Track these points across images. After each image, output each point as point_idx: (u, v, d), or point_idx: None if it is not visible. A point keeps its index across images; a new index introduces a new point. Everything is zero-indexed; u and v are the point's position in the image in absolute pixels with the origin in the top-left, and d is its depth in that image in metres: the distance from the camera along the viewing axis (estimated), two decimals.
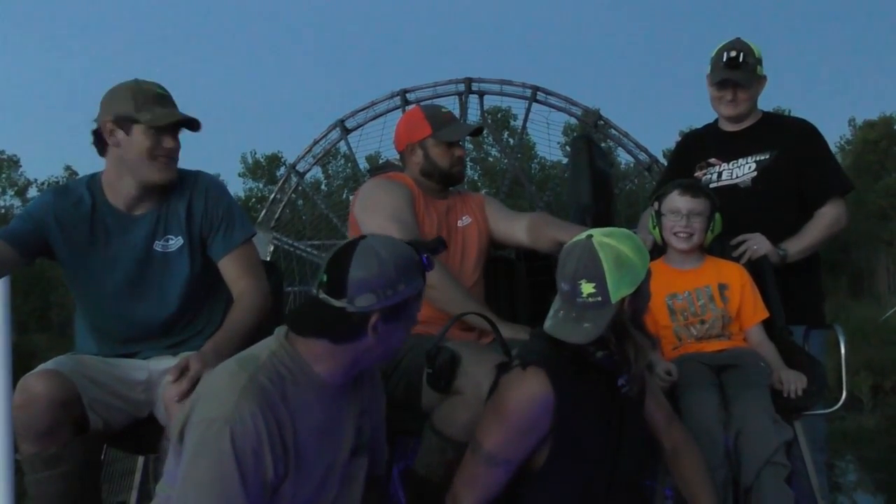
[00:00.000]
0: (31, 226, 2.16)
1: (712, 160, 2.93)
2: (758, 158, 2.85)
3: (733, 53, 2.82)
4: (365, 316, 1.59)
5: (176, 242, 2.24)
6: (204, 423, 1.50)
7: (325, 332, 1.62)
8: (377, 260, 1.58)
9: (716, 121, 3.03)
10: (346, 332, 1.61)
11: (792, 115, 3.69)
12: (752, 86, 2.85)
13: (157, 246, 2.22)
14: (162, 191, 2.22)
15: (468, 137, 3.06)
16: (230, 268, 2.26)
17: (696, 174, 2.93)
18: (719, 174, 2.90)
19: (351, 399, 1.73)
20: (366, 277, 1.57)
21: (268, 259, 9.89)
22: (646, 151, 11.78)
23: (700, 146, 3.01)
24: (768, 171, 2.83)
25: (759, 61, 2.87)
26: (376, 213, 2.46)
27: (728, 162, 2.90)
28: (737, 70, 2.82)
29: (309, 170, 12.91)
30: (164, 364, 2.13)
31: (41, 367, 2.00)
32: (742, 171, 2.87)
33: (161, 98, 2.15)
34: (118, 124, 2.12)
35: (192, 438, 1.51)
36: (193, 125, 2.19)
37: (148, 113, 2.11)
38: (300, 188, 13.00)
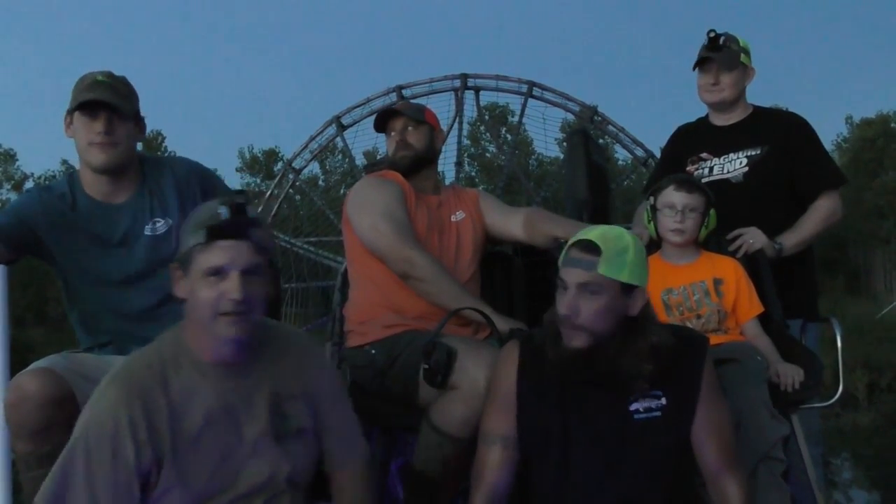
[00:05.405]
0: (16, 220, 2.15)
1: (704, 155, 2.93)
2: (749, 153, 2.85)
3: (712, 34, 2.84)
4: (178, 270, 1.62)
5: (164, 224, 2.23)
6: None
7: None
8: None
9: (707, 115, 3.03)
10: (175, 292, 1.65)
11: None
12: (734, 69, 2.85)
13: (147, 230, 2.22)
14: (125, 175, 2.21)
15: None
16: None
17: (687, 168, 2.93)
18: (710, 169, 2.91)
19: (257, 382, 1.67)
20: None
21: None
22: (642, 147, 11.75)
23: (691, 140, 3.01)
24: (760, 166, 2.83)
25: (745, 51, 2.87)
26: (368, 211, 2.46)
27: (719, 157, 2.90)
28: (717, 51, 2.84)
29: (305, 166, 12.89)
30: None
31: (34, 365, 1.98)
32: (733, 165, 2.87)
33: (96, 84, 2.14)
34: (69, 116, 2.17)
35: None
36: (113, 108, 2.14)
37: (76, 100, 2.13)
38: (297, 184, 12.99)
